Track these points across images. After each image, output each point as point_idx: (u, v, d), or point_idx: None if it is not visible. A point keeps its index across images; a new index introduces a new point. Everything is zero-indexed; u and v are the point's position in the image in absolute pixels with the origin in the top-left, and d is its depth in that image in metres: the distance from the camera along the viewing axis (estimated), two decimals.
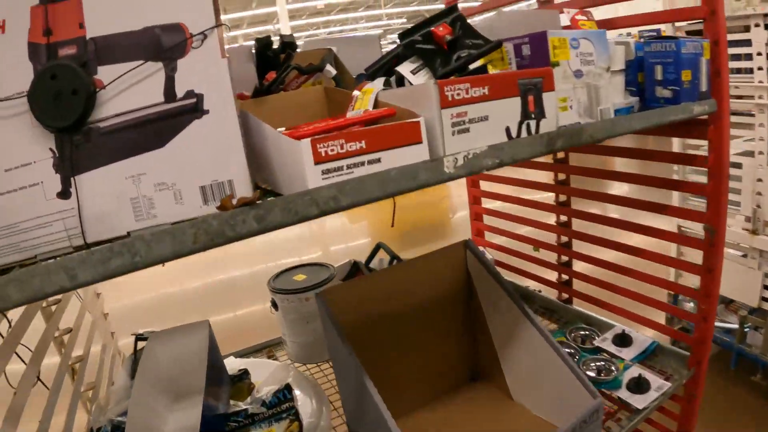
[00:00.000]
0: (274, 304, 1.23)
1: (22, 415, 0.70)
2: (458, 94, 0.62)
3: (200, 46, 0.59)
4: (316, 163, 0.56)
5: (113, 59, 0.58)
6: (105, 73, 0.58)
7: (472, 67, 0.71)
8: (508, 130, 0.68)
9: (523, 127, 0.69)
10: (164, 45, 0.58)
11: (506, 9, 1.42)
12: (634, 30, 3.42)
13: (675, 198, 1.94)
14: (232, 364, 1.19)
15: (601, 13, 1.03)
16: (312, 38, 1.23)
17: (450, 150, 0.62)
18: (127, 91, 0.58)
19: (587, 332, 1.26)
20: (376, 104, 0.69)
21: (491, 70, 0.79)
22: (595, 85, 0.77)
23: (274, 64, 0.98)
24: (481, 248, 1.61)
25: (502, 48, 0.76)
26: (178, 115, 0.59)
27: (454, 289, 1.10)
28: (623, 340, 1.20)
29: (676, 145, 1.96)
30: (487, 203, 1.67)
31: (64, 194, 0.59)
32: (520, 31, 1.01)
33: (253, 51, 1.02)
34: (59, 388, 0.75)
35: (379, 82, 0.71)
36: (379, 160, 0.58)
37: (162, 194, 0.59)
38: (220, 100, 0.59)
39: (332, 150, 0.56)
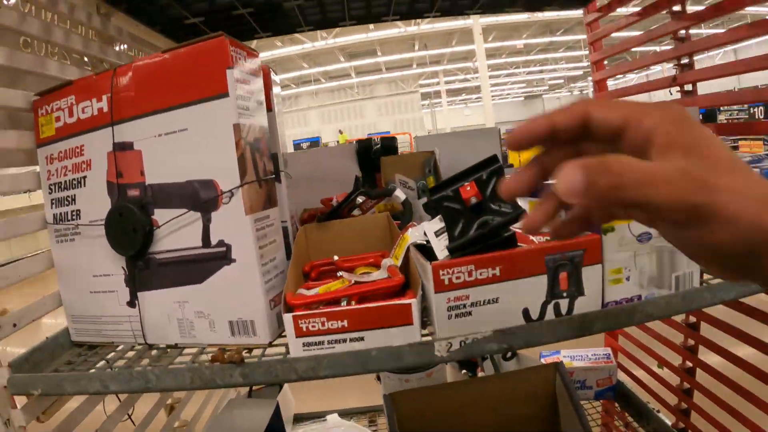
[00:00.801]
0: (378, 377, 1.30)
1: None
2: (458, 278, 0.58)
3: (228, 203, 0.65)
4: (298, 336, 0.59)
5: (166, 204, 0.69)
6: (160, 214, 0.69)
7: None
8: (526, 312, 0.61)
9: (549, 307, 0.61)
10: (201, 198, 0.66)
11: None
12: None
13: None
14: (332, 422, 1.32)
15: None
16: (427, 135, 1.21)
17: (444, 333, 0.59)
18: (176, 232, 0.69)
19: None
20: (408, 258, 0.68)
21: None
22: (671, 248, 0.63)
23: (374, 165, 1.01)
24: (608, 350, 1.45)
25: None
26: (212, 259, 0.67)
27: (538, 411, 1.02)
28: None
29: None
30: None
31: (131, 304, 0.73)
32: None
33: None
34: (147, 423, 0.95)
35: (421, 229, 0.69)
36: (362, 339, 0.59)
37: (200, 321, 0.70)
38: (245, 252, 0.66)
39: (313, 326, 0.58)
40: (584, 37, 1.42)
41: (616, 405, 1.38)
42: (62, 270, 0.79)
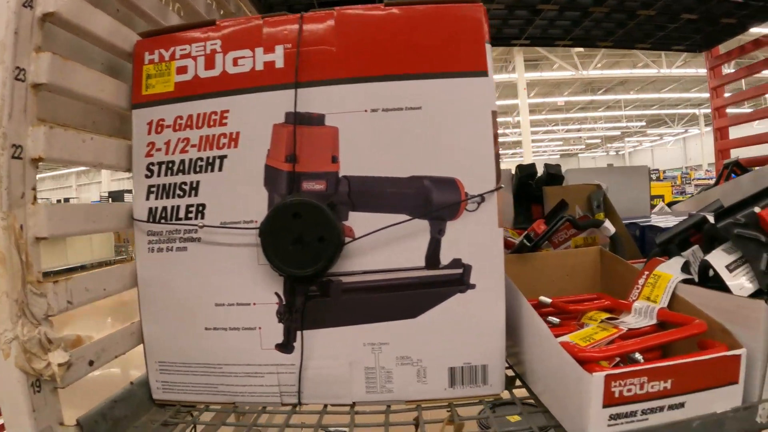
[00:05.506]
0: None
1: None
2: None
3: (475, 210, 0.48)
4: (606, 405, 0.43)
5: (369, 206, 0.49)
6: (356, 220, 0.49)
7: None
8: None
9: None
10: (434, 201, 0.48)
11: None
12: None
13: None
14: None
15: None
16: (578, 169, 1.08)
17: None
18: (381, 247, 0.49)
19: None
20: (673, 300, 0.55)
21: None
22: None
23: (534, 196, 0.87)
24: None
25: None
26: (439, 285, 0.49)
27: None
28: None
29: None
30: None
31: (285, 347, 0.51)
32: None
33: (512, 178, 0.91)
34: None
35: (677, 264, 0.57)
36: (681, 405, 0.45)
37: (403, 369, 0.50)
38: (490, 276, 0.49)
39: (629, 390, 0.43)
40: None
41: None
42: (152, 292, 0.53)
